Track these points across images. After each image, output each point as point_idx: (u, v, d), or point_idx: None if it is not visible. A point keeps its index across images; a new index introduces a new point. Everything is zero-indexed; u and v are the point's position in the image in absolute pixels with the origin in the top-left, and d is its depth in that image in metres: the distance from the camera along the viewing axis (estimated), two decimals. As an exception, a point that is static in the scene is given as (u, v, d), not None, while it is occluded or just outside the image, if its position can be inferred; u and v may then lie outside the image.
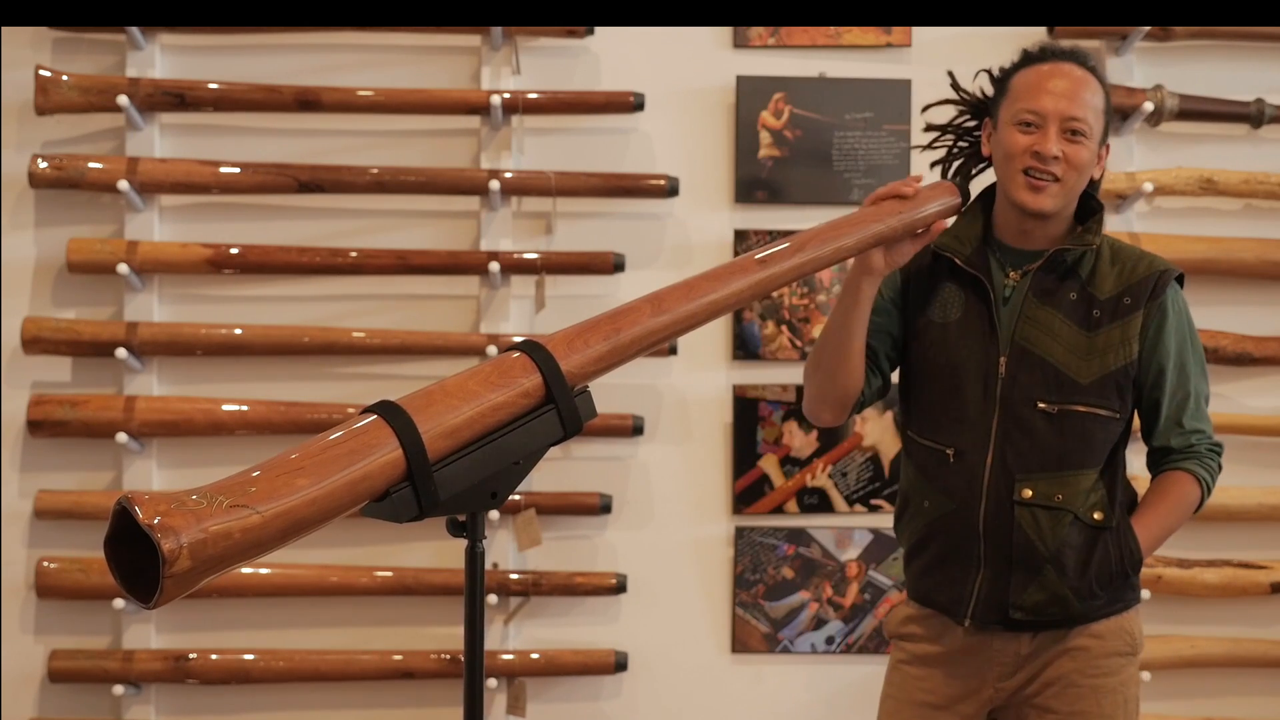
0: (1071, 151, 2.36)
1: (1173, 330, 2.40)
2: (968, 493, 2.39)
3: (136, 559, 1.44)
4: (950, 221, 2.48)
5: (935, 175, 2.62)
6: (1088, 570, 2.36)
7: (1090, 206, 2.46)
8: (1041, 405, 2.36)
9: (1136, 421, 2.49)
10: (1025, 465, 2.36)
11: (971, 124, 2.59)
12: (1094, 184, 2.48)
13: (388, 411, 1.60)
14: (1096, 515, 2.37)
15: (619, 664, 3.69)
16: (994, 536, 2.37)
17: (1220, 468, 2.46)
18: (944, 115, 2.63)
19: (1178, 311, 2.42)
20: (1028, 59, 2.44)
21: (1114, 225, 3.71)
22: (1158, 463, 2.47)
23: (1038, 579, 2.36)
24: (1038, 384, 2.37)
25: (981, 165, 2.59)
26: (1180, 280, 2.45)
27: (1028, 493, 2.35)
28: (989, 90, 2.52)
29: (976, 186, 2.56)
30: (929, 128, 2.63)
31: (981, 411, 2.39)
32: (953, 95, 2.62)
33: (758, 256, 2.10)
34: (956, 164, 2.60)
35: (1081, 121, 2.36)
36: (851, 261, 2.37)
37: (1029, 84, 2.39)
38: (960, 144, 2.60)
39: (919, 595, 2.51)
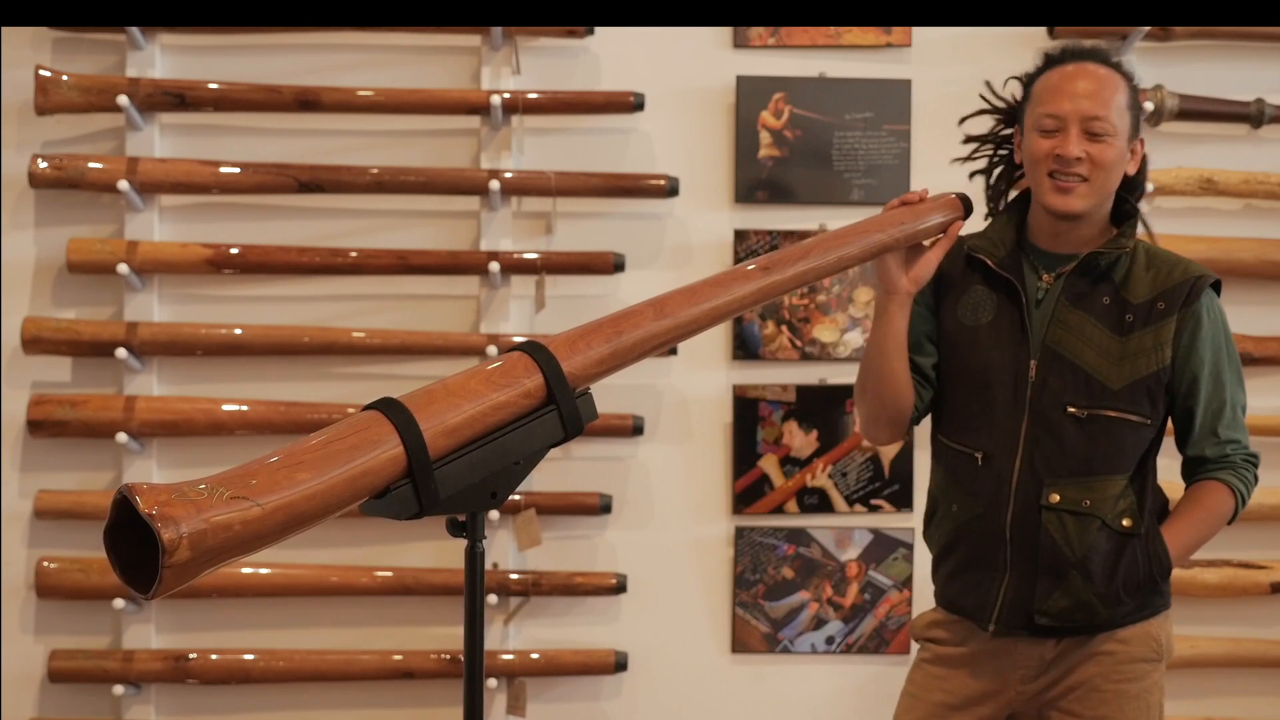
0: (1095, 151, 2.34)
1: (1208, 338, 2.37)
2: (995, 497, 2.38)
3: (136, 550, 1.44)
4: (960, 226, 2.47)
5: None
6: (1115, 577, 2.34)
7: (1125, 210, 2.45)
8: (1071, 410, 2.35)
9: (1170, 427, 2.47)
10: (1053, 470, 2.35)
11: (1008, 132, 2.58)
12: (1133, 184, 2.46)
13: (389, 408, 1.60)
14: (1125, 522, 2.35)
15: (619, 664, 3.69)
16: (1020, 541, 2.37)
17: (1256, 479, 2.44)
18: (983, 125, 2.62)
19: (1213, 319, 2.39)
20: (1050, 62, 2.43)
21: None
22: (1192, 472, 2.45)
23: (1063, 585, 2.34)
24: (1068, 388, 2.35)
25: (1019, 173, 2.58)
26: (1217, 287, 2.42)
27: (1055, 497, 2.35)
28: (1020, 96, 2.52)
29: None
30: (968, 139, 2.62)
31: (1010, 415, 2.38)
32: (985, 105, 2.60)
33: (761, 263, 2.10)
34: (997, 172, 2.58)
35: (1103, 120, 2.34)
36: (877, 287, 2.39)
37: (1050, 87, 2.38)
38: (1000, 152, 2.59)
39: (946, 601, 2.50)
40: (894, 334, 2.40)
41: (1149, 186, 3.65)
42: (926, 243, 2.37)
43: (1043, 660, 2.41)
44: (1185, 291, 2.36)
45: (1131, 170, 2.42)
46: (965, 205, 2.45)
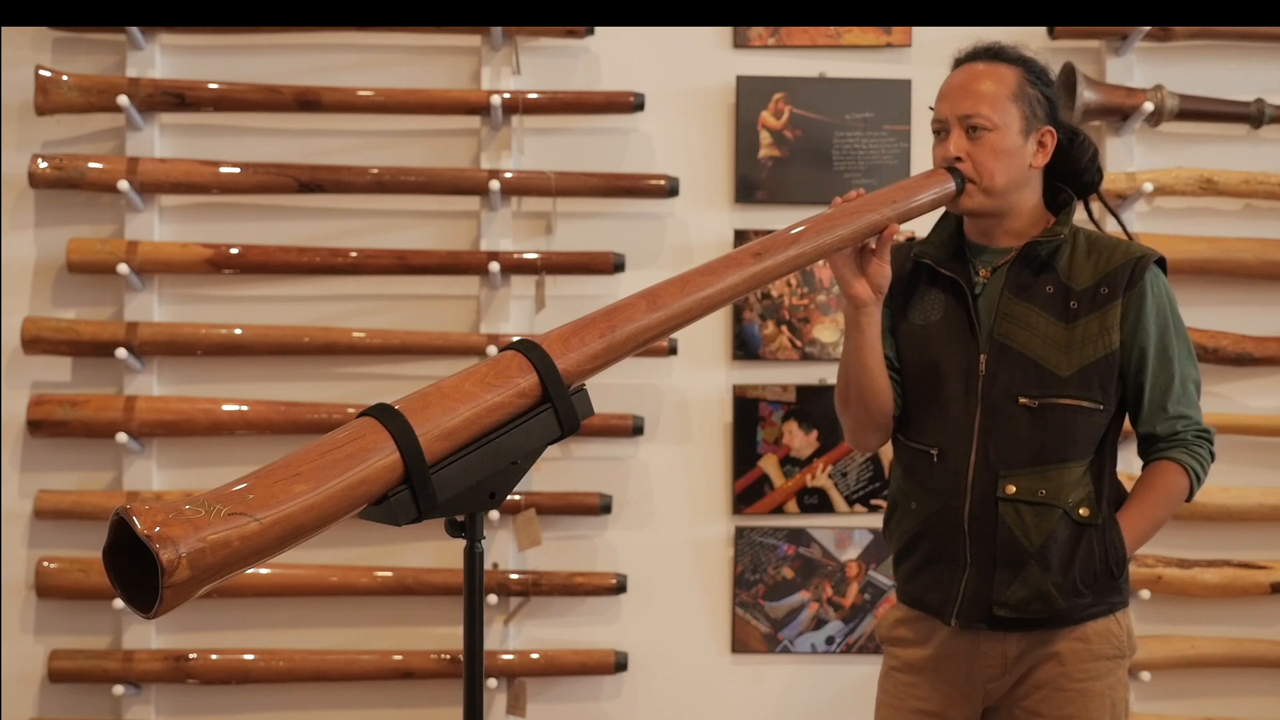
0: (974, 149, 2.36)
1: (1152, 313, 2.36)
2: (952, 491, 2.38)
3: (136, 569, 1.44)
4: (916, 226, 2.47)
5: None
6: (1072, 567, 2.34)
7: (1061, 200, 2.46)
8: (1023, 400, 2.35)
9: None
10: (1008, 461, 2.35)
11: None
12: (1074, 172, 2.47)
13: (384, 415, 1.60)
14: (1082, 511, 2.34)
15: (619, 664, 3.69)
16: (978, 534, 2.36)
17: (1212, 455, 2.42)
18: None
19: (1157, 295, 2.38)
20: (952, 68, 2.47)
21: (1114, 225, 3.71)
22: (1146, 451, 2.45)
23: (1021, 575, 2.34)
24: (1018, 379, 2.36)
25: None
26: (1162, 265, 2.42)
27: (1011, 488, 2.34)
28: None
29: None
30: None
31: (963, 410, 2.38)
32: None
33: (753, 249, 2.09)
34: None
35: (976, 116, 2.35)
36: (844, 305, 2.39)
37: (938, 93, 2.43)
38: None
39: (908, 597, 2.50)
40: (870, 343, 2.40)
41: (1148, 186, 3.66)
42: (872, 244, 2.33)
43: (1006, 658, 2.40)
44: (1128, 273, 2.36)
45: (1039, 161, 2.41)
46: (956, 176, 2.38)
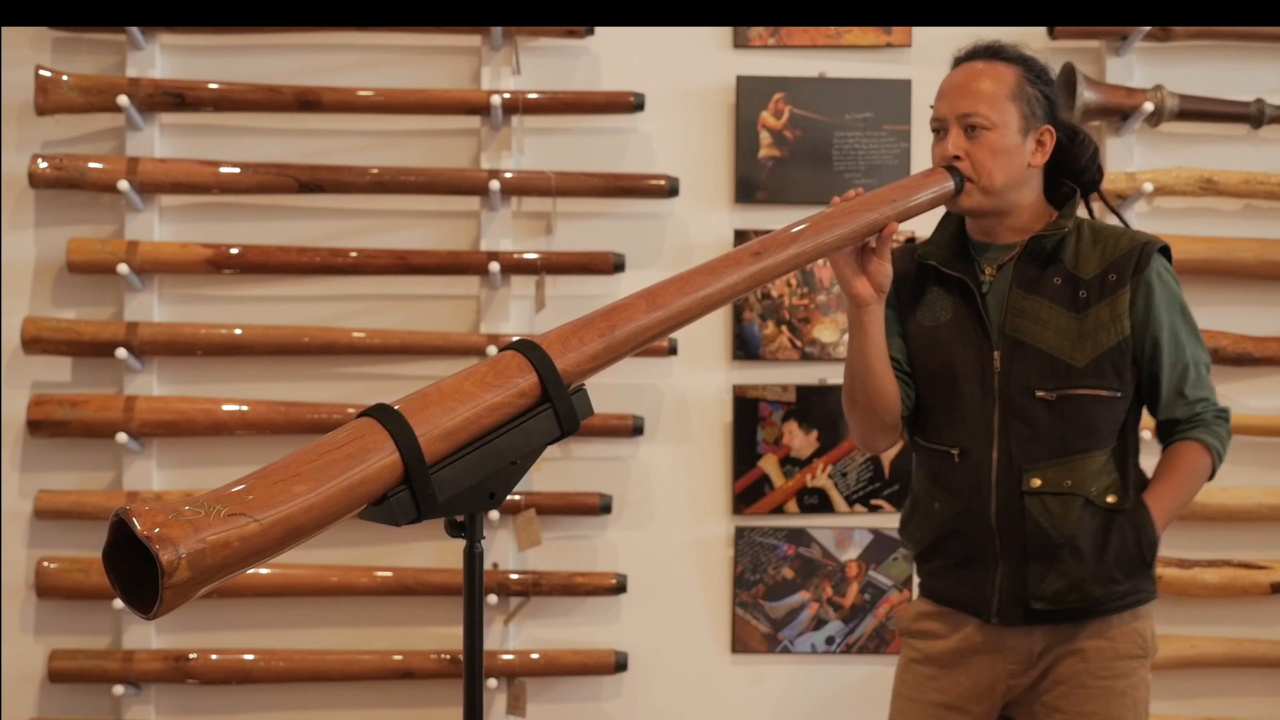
0: (972, 148, 2.36)
1: (1162, 302, 2.38)
2: (976, 490, 2.39)
3: (135, 570, 1.44)
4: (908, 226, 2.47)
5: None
6: (1105, 554, 2.34)
7: (1063, 192, 2.46)
8: (1040, 394, 2.36)
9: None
10: (1031, 455, 2.36)
11: None
12: (1077, 169, 2.47)
13: (383, 415, 1.60)
14: (1110, 498, 2.36)
15: (619, 664, 3.69)
16: (1007, 530, 2.37)
17: (1229, 433, 2.44)
18: None
19: (1164, 282, 2.39)
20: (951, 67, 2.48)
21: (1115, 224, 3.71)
22: (1166, 435, 2.46)
23: (1056, 566, 2.35)
24: (1033, 373, 2.36)
25: None
26: (1166, 252, 2.43)
27: (1036, 482, 2.35)
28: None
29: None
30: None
31: (981, 408, 2.39)
32: None
33: (752, 248, 2.09)
34: None
35: (974, 115, 2.36)
36: (847, 305, 2.39)
37: (937, 91, 2.44)
38: None
39: (935, 594, 2.50)
40: (874, 342, 2.40)
41: (1148, 186, 3.66)
42: (872, 243, 2.33)
43: (1031, 653, 2.41)
44: (1134, 259, 2.37)
45: (1038, 160, 2.42)
46: (955, 175, 2.39)
